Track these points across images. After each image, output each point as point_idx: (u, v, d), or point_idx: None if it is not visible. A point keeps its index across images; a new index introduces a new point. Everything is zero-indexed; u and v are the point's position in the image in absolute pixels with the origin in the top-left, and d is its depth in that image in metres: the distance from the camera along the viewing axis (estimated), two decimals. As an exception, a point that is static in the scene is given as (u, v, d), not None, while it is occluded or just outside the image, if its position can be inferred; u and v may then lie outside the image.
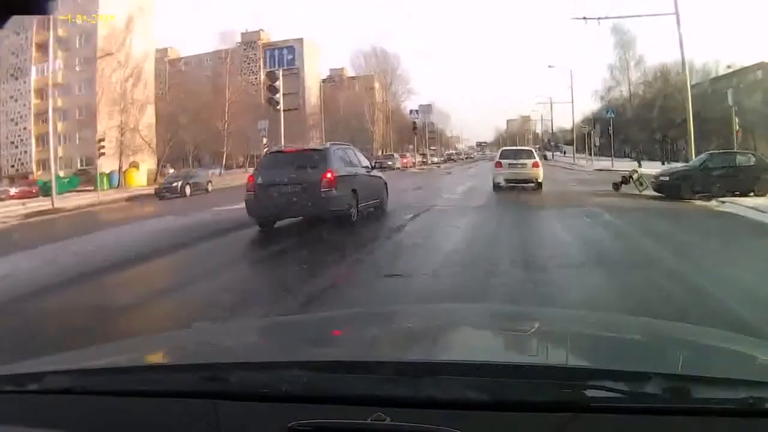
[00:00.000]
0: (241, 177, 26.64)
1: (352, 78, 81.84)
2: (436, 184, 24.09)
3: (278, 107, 18.07)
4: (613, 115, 38.13)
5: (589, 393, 1.06)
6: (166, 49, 77.16)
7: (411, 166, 45.44)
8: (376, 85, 77.71)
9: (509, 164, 19.47)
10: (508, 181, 18.96)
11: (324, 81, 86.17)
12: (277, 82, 17.79)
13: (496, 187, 18.87)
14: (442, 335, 1.69)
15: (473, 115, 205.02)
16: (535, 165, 19.44)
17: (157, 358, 1.53)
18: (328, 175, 10.22)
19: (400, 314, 2.22)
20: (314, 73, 70.27)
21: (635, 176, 17.71)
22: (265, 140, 43.07)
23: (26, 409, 1.20)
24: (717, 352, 1.45)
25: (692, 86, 51.21)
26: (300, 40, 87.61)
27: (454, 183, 24.49)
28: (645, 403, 1.04)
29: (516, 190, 17.90)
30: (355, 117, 75.82)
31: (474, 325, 1.82)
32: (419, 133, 47.71)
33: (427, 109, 48.35)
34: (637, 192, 16.67)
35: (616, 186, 17.78)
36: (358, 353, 1.47)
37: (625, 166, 38.11)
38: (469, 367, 1.17)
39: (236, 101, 53.10)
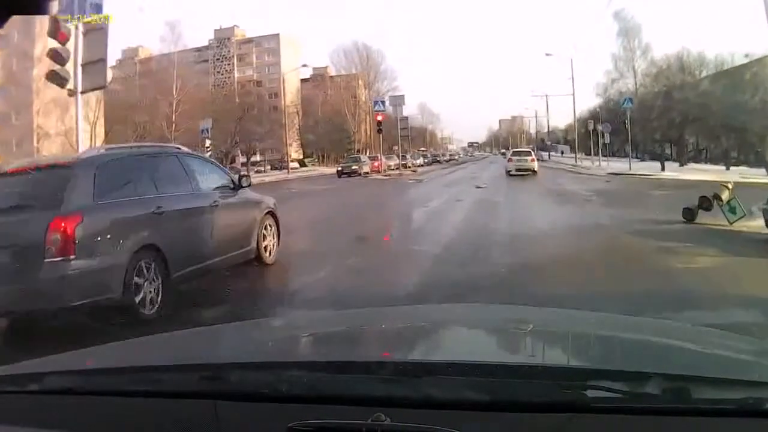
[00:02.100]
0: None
1: (335, 77, 73.60)
2: (378, 212, 15.53)
3: (68, 87, 9.32)
4: (631, 106, 29.90)
5: (589, 393, 1.06)
6: (137, 48, 69.23)
7: (377, 172, 36.69)
8: (360, 82, 69.43)
9: (517, 159, 30.37)
10: (517, 170, 28.85)
11: (306, 80, 78.28)
12: (69, 43, 9.13)
13: (508, 173, 28.78)
14: (441, 335, 1.69)
15: (466, 116, 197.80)
16: (532, 160, 30.39)
17: (157, 358, 1.48)
18: (62, 224, 4.75)
19: (399, 314, 2.16)
20: (293, 69, 61.82)
21: (725, 196, 10.12)
22: (208, 143, 34.30)
23: (26, 409, 1.20)
24: (717, 352, 1.43)
25: (703, 78, 44.61)
26: (276, 36, 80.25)
27: (406, 209, 15.93)
28: (645, 403, 1.04)
29: (502, 245, 8.73)
30: (336, 117, 67.32)
31: (474, 325, 1.77)
32: (398, 131, 38.11)
33: (398, 100, 38.95)
34: (727, 224, 9.70)
35: (690, 213, 10.46)
36: (358, 353, 1.48)
37: (641, 167, 29.79)
38: (468, 367, 1.16)
39: (187, 100, 46.38)
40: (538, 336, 1.62)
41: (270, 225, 7.51)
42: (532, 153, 33.01)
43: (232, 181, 7.15)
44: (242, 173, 7.63)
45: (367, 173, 36.19)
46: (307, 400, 1.08)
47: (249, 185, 7.45)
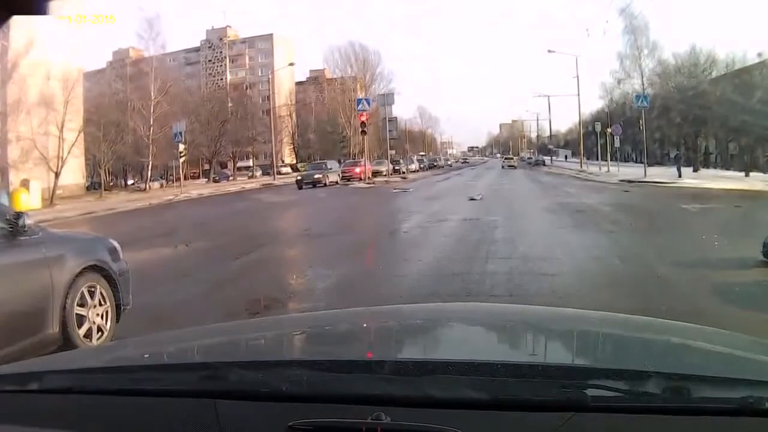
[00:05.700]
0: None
1: (332, 80, 70.49)
2: (319, 247, 10.23)
3: None
4: (646, 105, 26.66)
5: (589, 393, 1.04)
6: (127, 50, 66.45)
7: (360, 179, 33.40)
8: (357, 85, 66.43)
9: (507, 161, 63.26)
10: (508, 166, 57.72)
11: (302, 83, 74.99)
12: None
13: (502, 168, 56.80)
14: (441, 334, 1.68)
15: (467, 119, 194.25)
16: (514, 161, 63.93)
17: (157, 357, 1.46)
18: None
19: (399, 313, 2.13)
20: (286, 70, 58.40)
21: None
22: (182, 147, 30.70)
23: (26, 409, 1.18)
24: (717, 351, 1.43)
25: (715, 78, 42.74)
26: (270, 36, 77.44)
27: (364, 236, 11.79)
28: (645, 402, 1.03)
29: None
30: (332, 120, 64.18)
31: (473, 324, 1.76)
32: (387, 133, 34.19)
33: (387, 99, 35.03)
34: None
35: None
36: (358, 352, 1.47)
37: (655, 174, 26.53)
38: (468, 366, 1.16)
39: (169, 102, 44.78)
40: (538, 335, 1.62)
41: (94, 291, 4.48)
42: (514, 158, 67.41)
43: (8, 221, 4.01)
44: (19, 212, 4.13)
45: (335, 182, 31.72)
46: (307, 398, 1.08)
47: (25, 229, 4.02)
